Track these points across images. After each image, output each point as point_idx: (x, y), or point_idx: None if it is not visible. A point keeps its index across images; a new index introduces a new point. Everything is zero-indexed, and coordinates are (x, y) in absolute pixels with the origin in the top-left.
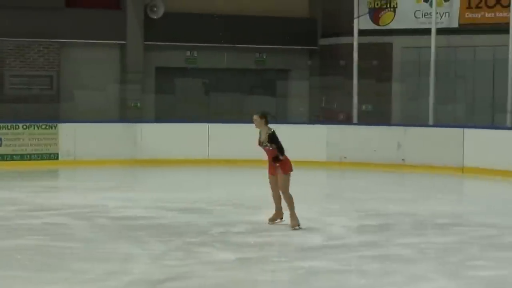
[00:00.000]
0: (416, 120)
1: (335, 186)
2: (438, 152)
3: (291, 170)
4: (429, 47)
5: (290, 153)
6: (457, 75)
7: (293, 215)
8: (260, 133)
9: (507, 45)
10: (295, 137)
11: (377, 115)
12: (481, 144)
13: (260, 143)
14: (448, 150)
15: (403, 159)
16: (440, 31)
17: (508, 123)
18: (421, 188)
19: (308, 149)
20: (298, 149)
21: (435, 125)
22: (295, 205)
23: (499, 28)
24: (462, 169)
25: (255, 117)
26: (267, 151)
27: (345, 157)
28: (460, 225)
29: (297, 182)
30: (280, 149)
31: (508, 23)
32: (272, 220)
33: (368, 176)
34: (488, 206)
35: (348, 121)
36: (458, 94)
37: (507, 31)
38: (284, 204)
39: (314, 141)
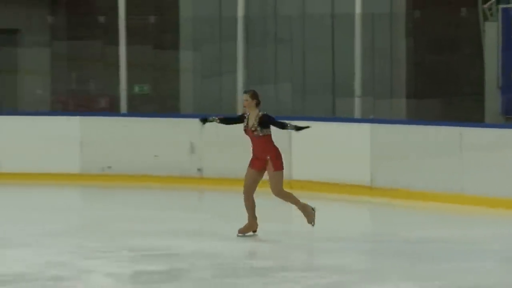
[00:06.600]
0: None
1: None
2: None
3: (283, 167)
4: None
5: None
6: None
7: (305, 208)
8: (248, 117)
9: None
10: None
11: None
12: None
13: (247, 129)
14: None
15: None
16: None
17: None
18: None
19: None
20: None
21: None
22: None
23: None
24: None
25: (246, 96)
26: (255, 140)
27: None
28: None
29: None
30: (282, 124)
31: None
32: (243, 231)
33: None
34: None
35: None
36: None
37: None
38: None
39: None
